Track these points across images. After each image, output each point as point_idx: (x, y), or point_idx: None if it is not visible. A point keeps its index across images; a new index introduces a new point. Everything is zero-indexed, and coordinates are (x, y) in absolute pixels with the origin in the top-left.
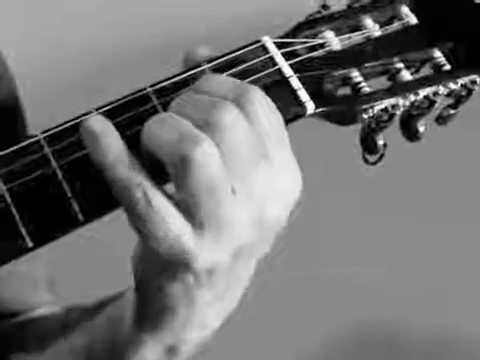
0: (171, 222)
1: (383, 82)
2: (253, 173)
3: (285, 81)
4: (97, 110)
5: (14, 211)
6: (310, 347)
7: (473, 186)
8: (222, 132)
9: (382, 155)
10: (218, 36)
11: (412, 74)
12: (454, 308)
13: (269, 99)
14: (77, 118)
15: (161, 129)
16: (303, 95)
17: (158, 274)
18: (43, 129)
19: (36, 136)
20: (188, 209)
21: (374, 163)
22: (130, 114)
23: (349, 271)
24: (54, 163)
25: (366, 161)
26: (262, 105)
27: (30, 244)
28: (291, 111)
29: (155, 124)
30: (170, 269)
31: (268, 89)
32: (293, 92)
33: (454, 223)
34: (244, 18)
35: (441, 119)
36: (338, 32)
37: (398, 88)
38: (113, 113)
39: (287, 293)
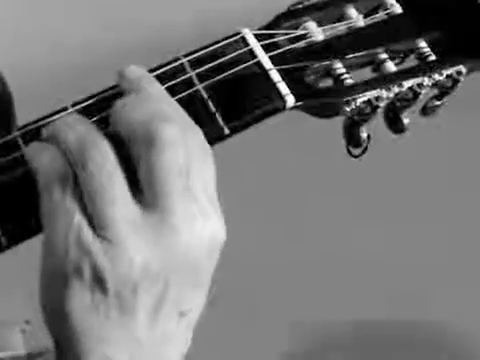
0: (69, 214)
1: (368, 73)
2: (170, 197)
3: (264, 74)
4: (73, 106)
5: None
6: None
7: (467, 181)
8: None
9: (366, 148)
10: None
11: (396, 65)
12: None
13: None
14: (53, 115)
15: (66, 129)
16: (283, 88)
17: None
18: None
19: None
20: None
21: (358, 156)
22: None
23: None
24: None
25: (350, 154)
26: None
27: (5, 242)
28: (271, 105)
29: (60, 123)
30: (60, 273)
31: (247, 82)
32: (273, 85)
33: (449, 222)
34: (239, 16)
35: (426, 110)
36: (320, 23)
37: (382, 80)
38: (88, 109)
39: (280, 292)
